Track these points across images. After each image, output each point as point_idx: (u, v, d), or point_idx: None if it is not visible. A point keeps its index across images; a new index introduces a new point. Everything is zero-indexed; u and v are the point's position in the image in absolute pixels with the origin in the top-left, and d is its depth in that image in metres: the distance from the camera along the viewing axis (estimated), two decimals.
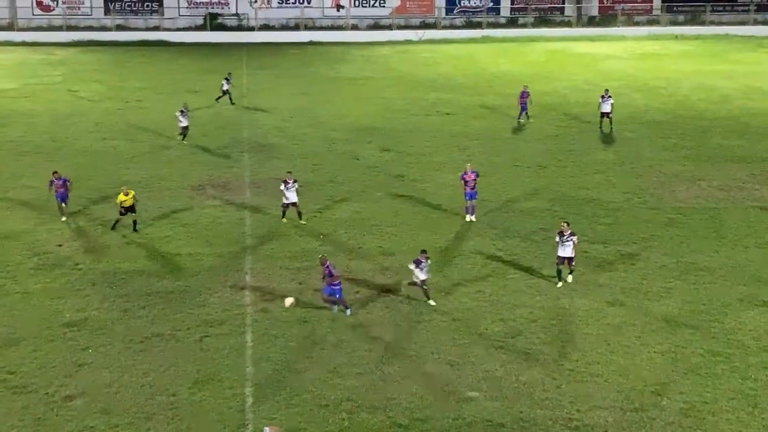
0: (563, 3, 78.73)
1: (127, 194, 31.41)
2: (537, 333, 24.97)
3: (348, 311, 25.88)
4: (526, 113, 46.89)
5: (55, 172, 33.18)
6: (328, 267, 25.48)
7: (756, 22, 77.23)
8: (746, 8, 78.39)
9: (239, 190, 36.53)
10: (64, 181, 32.90)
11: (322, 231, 32.05)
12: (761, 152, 41.73)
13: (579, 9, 78.11)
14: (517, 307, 26.46)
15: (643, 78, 58.25)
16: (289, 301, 25.31)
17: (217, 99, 50.53)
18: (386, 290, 27.18)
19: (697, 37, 73.36)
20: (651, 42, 71.94)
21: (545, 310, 26.35)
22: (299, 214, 32.62)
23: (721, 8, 78.49)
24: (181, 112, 42.91)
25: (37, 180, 37.06)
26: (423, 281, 26.32)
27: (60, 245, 30.58)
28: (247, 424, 20.42)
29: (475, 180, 33.10)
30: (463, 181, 33.19)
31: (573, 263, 27.79)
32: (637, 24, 77.25)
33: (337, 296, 25.86)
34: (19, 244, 30.65)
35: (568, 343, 24.48)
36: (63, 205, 32.94)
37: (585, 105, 50.69)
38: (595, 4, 79.00)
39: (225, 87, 50.36)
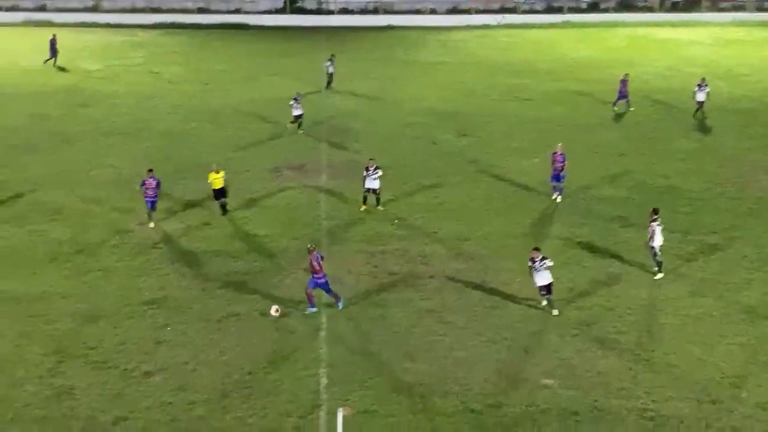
0: None
1: (218, 172, 31.57)
2: (613, 322, 24.71)
3: (339, 304, 25.19)
4: (628, 101, 46.05)
5: (150, 170, 31.07)
6: (315, 257, 24.60)
7: None
8: None
9: (316, 172, 36.73)
10: (158, 182, 30.76)
11: (398, 215, 32.08)
12: None
13: None
14: (594, 296, 26.21)
15: (726, 65, 57.02)
16: (274, 309, 24.80)
17: (327, 85, 50.10)
18: (460, 276, 27.11)
19: None
20: (736, 28, 70.32)
21: (622, 298, 26.06)
22: (377, 200, 32.45)
23: None
24: (295, 99, 41.95)
25: (119, 160, 37.79)
26: (543, 287, 24.88)
27: (141, 224, 31.10)
28: (321, 405, 20.59)
29: (562, 163, 33.05)
30: (552, 161, 33.28)
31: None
32: (721, 10, 75.57)
33: (325, 289, 25.04)
34: (100, 223, 31.26)
35: (645, 332, 24.19)
36: (152, 211, 31.03)
37: (667, 92, 49.82)
38: None
39: (330, 70, 49.85)
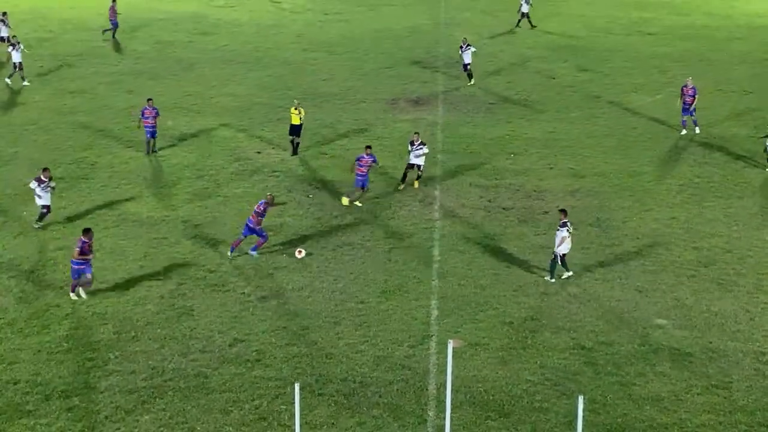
0: None
1: (296, 109, 31.19)
2: (732, 263, 24.22)
3: (253, 252, 24.51)
4: None
5: (150, 99, 31.48)
6: (261, 205, 24.26)
7: None
8: None
9: (432, 105, 36.68)
10: (156, 112, 31.03)
11: (514, 150, 31.88)
12: None
13: None
14: (713, 236, 25.70)
15: None
16: (297, 251, 24.77)
17: (517, 24, 48.39)
18: (574, 213, 26.87)
19: None
20: None
21: (742, 240, 25.49)
22: (419, 177, 29.13)
23: None
24: (463, 45, 39.01)
25: (240, 88, 38.36)
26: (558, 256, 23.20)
27: (259, 152, 31.63)
28: (432, 336, 20.82)
29: (693, 97, 32.45)
30: (681, 95, 32.70)
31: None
32: None
33: (245, 235, 24.47)
34: (220, 150, 31.92)
35: (764, 275, 23.65)
36: (152, 140, 31.26)
37: None
38: None
39: (524, 9, 48.11)
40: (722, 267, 24.06)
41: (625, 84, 39.21)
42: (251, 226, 24.39)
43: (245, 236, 24.56)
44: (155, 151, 31.36)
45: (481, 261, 24.38)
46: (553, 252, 23.21)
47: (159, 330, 20.94)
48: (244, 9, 53.10)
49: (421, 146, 28.56)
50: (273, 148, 31.96)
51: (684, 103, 32.62)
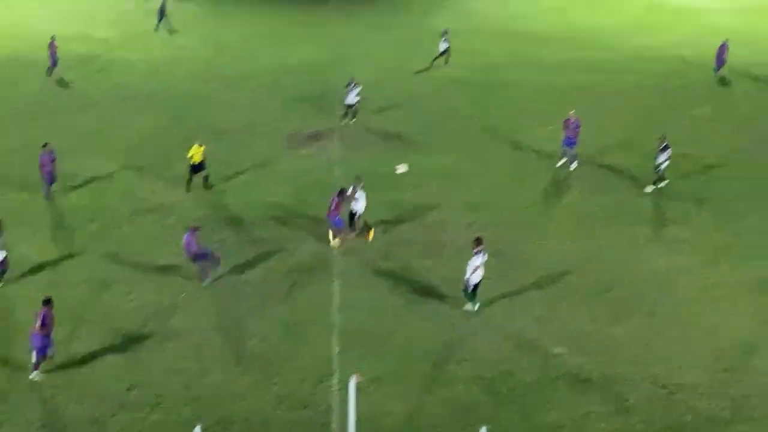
0: None
1: (200, 146, 31.04)
2: (626, 289, 24.77)
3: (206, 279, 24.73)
4: (722, 67, 45.48)
5: (45, 144, 30.36)
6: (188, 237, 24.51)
7: None
8: None
9: (330, 140, 36.72)
10: (53, 156, 30.04)
11: (412, 183, 32.10)
12: None
13: None
14: (607, 264, 26.25)
15: (746, 33, 56.42)
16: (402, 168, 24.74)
17: (434, 59, 48.18)
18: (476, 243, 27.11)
19: None
20: None
21: (636, 266, 26.09)
22: (365, 227, 27.96)
23: None
24: (350, 84, 38.66)
25: (137, 126, 37.77)
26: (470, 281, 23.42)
27: (154, 192, 31.21)
28: (334, 372, 20.73)
29: (575, 129, 33.15)
30: (564, 127, 33.41)
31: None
32: None
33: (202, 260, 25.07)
34: (117, 189, 31.38)
35: (658, 300, 24.23)
36: (51, 187, 30.27)
37: (682, 60, 49.42)
38: None
39: (444, 46, 48.01)
40: (618, 293, 24.57)
41: (518, 116, 39.89)
42: (189, 256, 24.58)
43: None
44: (49, 195, 30.60)
45: (383, 295, 24.42)
46: (465, 281, 23.27)
47: (54, 379, 20.38)
48: (139, 47, 52.50)
49: (358, 194, 27.72)
50: (170, 189, 31.54)
51: (567, 136, 33.38)
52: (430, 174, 32.98)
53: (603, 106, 40.87)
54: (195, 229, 24.77)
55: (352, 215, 27.97)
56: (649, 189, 31.44)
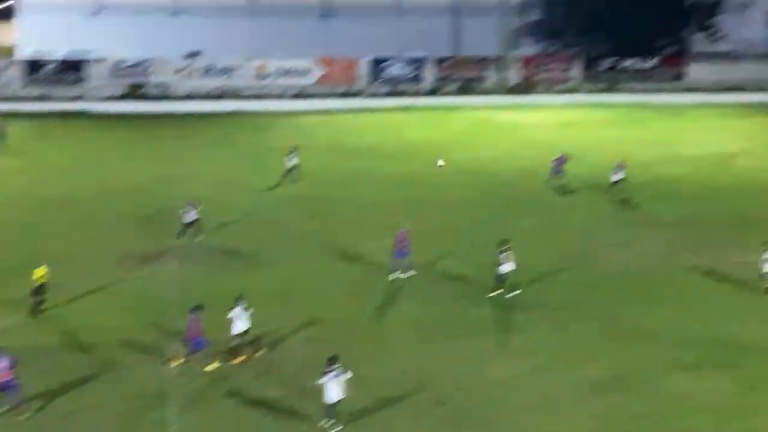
0: (486, 72, 79.93)
1: (41, 268, 30.35)
2: (462, 402, 24.81)
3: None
4: (560, 176, 47.39)
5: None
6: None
7: (673, 90, 79.20)
8: (663, 76, 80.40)
9: (164, 260, 35.98)
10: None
11: (249, 298, 31.58)
12: (683, 216, 42.42)
13: (501, 78, 79.36)
14: (443, 376, 26.31)
15: (565, 145, 59.03)
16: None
17: (284, 175, 48.42)
18: (313, 361, 26.80)
19: (617, 105, 74.85)
20: (571, 110, 73.10)
21: (474, 377, 26.24)
22: (253, 345, 27.90)
23: (638, 77, 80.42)
24: (189, 206, 38.79)
25: None
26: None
27: None
28: None
29: (405, 241, 33.69)
30: (395, 241, 33.88)
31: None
32: (557, 92, 78.62)
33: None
34: None
35: (496, 410, 24.36)
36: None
37: (508, 173, 51.19)
38: (517, 72, 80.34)
39: (291, 163, 48.39)
40: (453, 406, 24.60)
41: (353, 230, 40.17)
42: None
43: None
44: None
45: (221, 420, 23.69)
46: (324, 401, 22.99)
47: None
48: None
49: (243, 311, 27.24)
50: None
51: (398, 250, 34.04)
52: (269, 290, 32.61)
53: (434, 218, 41.66)
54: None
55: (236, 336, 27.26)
56: (493, 294, 32.03)
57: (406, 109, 73.10)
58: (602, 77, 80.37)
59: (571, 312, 31.13)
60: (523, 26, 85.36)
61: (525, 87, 79.32)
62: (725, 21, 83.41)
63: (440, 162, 29.78)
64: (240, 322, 27.30)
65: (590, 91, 78.68)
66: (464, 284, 33.60)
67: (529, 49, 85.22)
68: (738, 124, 66.81)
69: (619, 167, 46.31)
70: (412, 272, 34.04)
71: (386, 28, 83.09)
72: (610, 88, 79.32)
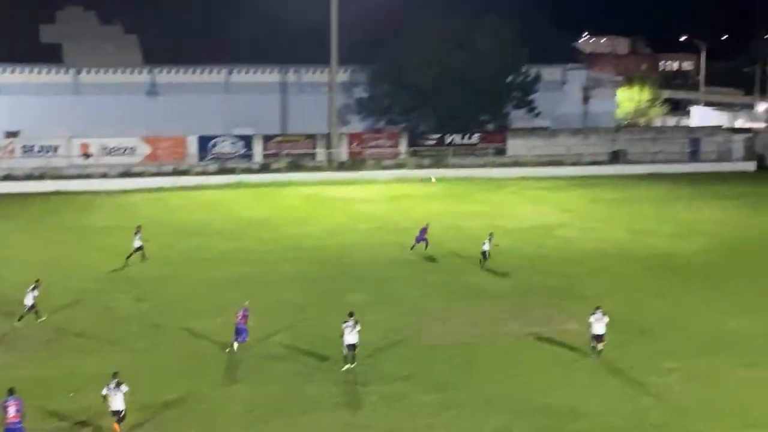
0: (314, 148, 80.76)
1: None
2: None
3: None
4: (426, 243, 49.48)
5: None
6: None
7: (495, 165, 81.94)
8: (485, 151, 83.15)
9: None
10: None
11: (74, 388, 30.51)
12: (508, 288, 43.63)
13: (330, 154, 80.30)
14: None
15: (393, 219, 60.10)
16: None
17: (129, 256, 47.14)
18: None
19: (442, 180, 76.85)
20: (399, 184, 74.60)
21: None
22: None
23: (462, 152, 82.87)
24: (32, 288, 37.46)
25: None
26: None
27: None
28: None
29: (244, 318, 34.05)
30: (240, 316, 34.20)
31: None
32: (385, 168, 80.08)
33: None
34: None
35: None
36: None
37: (339, 248, 51.59)
38: (345, 149, 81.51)
39: (137, 243, 47.25)
40: None
41: (184, 311, 39.47)
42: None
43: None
44: None
45: None
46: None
47: None
48: None
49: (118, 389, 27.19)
50: None
51: (237, 326, 34.12)
52: (95, 377, 31.46)
53: (266, 294, 41.41)
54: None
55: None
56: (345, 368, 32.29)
57: (236, 185, 72.98)
58: (427, 152, 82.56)
59: (405, 385, 31.34)
60: (350, 103, 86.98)
61: (354, 163, 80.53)
62: (543, 98, 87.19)
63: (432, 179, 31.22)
64: (116, 400, 27.13)
65: (417, 166, 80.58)
66: (298, 360, 33.42)
67: (356, 125, 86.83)
68: (557, 197, 69.68)
69: (489, 238, 47.84)
70: (237, 343, 34.21)
71: (214, 106, 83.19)
72: (436, 163, 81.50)
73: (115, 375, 27.81)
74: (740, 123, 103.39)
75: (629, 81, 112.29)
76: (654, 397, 30.44)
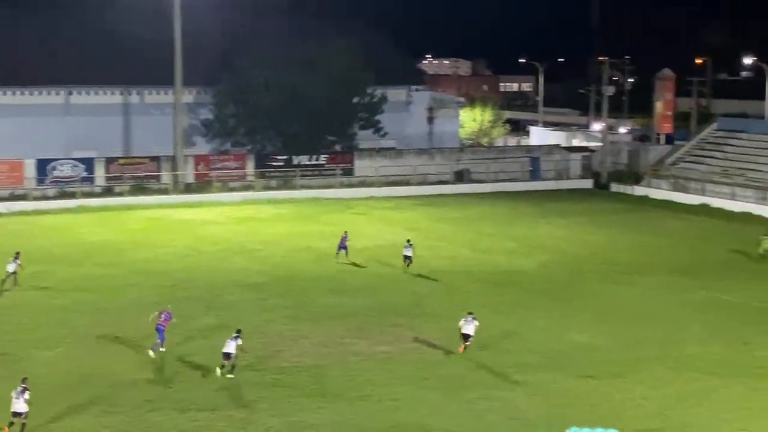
0: (159, 170, 79.35)
1: None
2: None
3: None
4: (346, 251, 52.17)
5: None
6: None
7: (342, 185, 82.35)
8: (333, 172, 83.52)
9: None
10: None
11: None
12: (356, 307, 43.80)
13: (175, 176, 79.02)
14: None
15: (241, 241, 59.61)
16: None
17: (2, 281, 45.78)
18: None
19: (290, 201, 76.69)
20: (247, 206, 74.06)
21: None
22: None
23: (310, 173, 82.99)
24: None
25: None
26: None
27: None
28: None
29: (165, 320, 36.13)
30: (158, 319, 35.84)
31: None
32: (232, 190, 79.39)
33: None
34: None
35: None
36: None
37: (185, 270, 50.83)
38: (191, 171, 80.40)
39: (11, 268, 45.99)
40: None
41: (25, 340, 38.08)
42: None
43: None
44: None
45: None
46: None
47: None
48: None
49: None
50: None
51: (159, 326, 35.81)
52: None
53: (109, 322, 40.40)
54: None
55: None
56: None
57: (77, 210, 70.97)
58: (275, 174, 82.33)
59: (252, 410, 31.03)
60: (196, 124, 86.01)
61: (200, 185, 79.54)
62: (389, 118, 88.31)
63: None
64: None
65: (264, 188, 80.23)
66: (143, 388, 32.68)
67: (202, 147, 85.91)
68: (403, 216, 70.58)
69: (407, 244, 50.43)
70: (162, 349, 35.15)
71: (53, 128, 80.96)
72: (284, 185, 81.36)
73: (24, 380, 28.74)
74: (577, 142, 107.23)
75: (472, 102, 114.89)
76: (500, 412, 31.08)
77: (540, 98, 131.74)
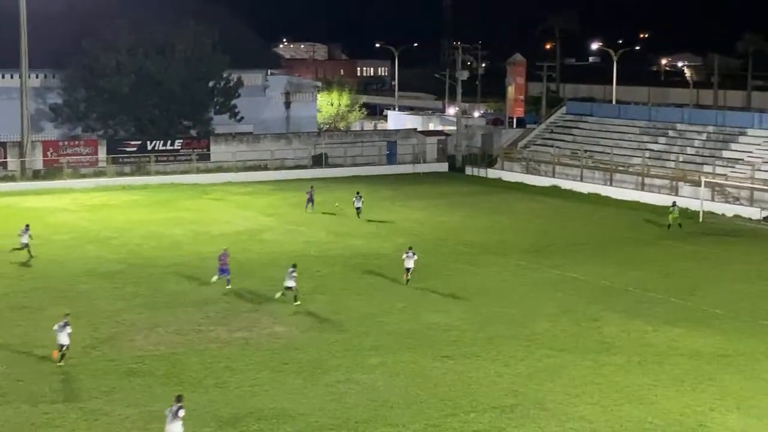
0: (5, 157, 76.55)
1: None
2: None
3: None
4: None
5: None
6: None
7: (199, 171, 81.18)
8: (189, 158, 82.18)
9: None
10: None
11: None
12: (213, 294, 43.23)
13: (23, 163, 76.41)
14: None
15: (94, 229, 58.14)
16: None
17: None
18: None
19: (144, 187, 75.17)
20: (99, 193, 72.26)
21: None
22: None
23: (165, 158, 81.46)
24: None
25: None
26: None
27: None
28: None
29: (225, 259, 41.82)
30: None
31: None
32: (84, 176, 77.30)
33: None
34: None
35: None
36: None
37: (36, 260, 49.22)
38: (39, 157, 77.85)
39: (25, 240, 47.25)
40: None
41: None
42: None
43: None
44: None
45: None
46: None
47: None
48: None
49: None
50: None
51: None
52: None
53: None
54: None
55: None
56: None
57: None
58: (128, 160, 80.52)
59: (105, 401, 30.36)
60: (44, 109, 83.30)
61: (49, 172, 77.15)
62: (245, 103, 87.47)
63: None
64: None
65: (118, 174, 78.44)
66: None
67: (51, 133, 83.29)
68: (261, 201, 70.20)
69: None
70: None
71: None
72: (138, 170, 79.69)
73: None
74: (433, 126, 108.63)
75: (329, 86, 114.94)
76: (360, 394, 31.26)
77: (396, 83, 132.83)
